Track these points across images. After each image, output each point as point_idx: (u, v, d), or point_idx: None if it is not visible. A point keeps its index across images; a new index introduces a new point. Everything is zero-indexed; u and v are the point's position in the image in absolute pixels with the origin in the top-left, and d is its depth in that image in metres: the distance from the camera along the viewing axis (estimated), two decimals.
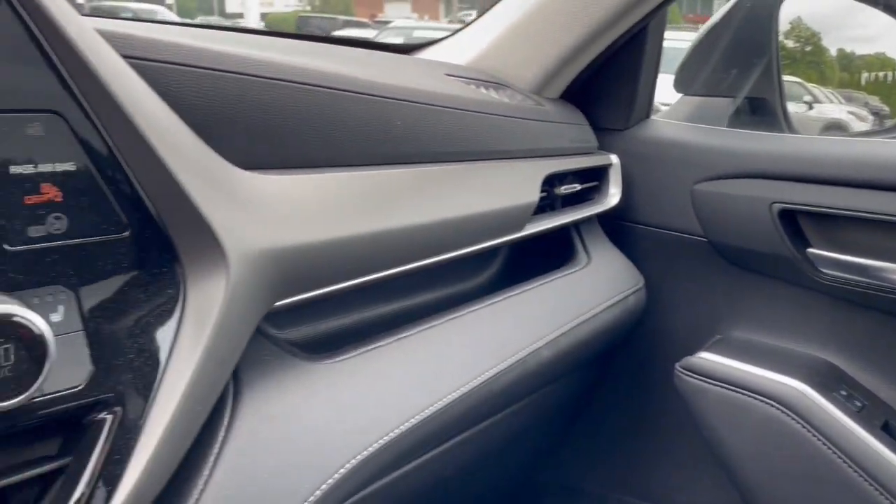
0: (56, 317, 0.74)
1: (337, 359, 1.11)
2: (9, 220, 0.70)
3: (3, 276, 0.70)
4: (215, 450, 0.90)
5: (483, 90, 1.50)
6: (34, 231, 0.72)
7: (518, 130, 1.47)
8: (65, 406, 0.74)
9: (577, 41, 1.61)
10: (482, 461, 1.57)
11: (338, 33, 17.68)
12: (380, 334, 1.18)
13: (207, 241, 0.84)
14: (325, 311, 1.27)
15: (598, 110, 1.79)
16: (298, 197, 1.00)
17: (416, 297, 1.45)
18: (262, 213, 0.93)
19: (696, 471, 1.85)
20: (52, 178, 0.73)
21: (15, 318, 0.68)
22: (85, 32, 0.75)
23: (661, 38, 1.79)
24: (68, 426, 0.77)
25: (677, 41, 1.81)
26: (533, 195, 1.45)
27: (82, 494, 0.74)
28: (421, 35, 12.88)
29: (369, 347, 1.15)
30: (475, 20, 1.79)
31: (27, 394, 0.69)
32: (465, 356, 1.26)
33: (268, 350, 1.04)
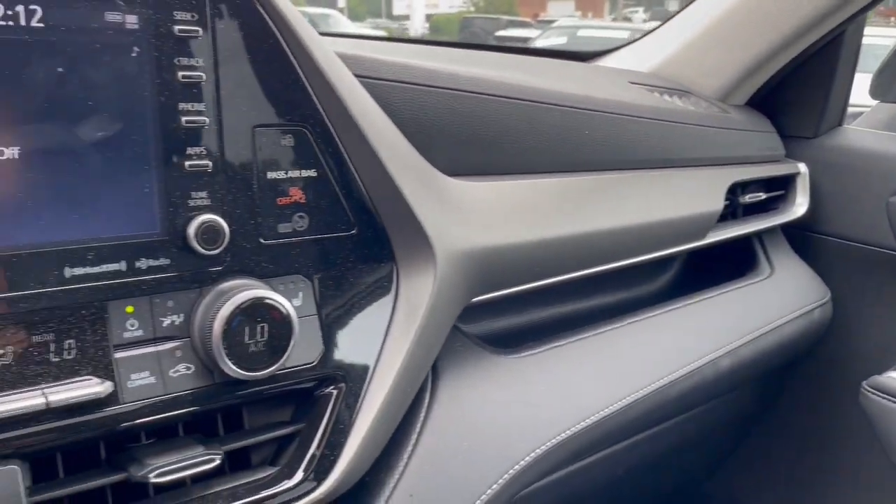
0: (297, 301, 0.85)
1: (522, 354, 1.17)
2: (265, 218, 0.82)
3: (258, 264, 0.82)
4: (417, 428, 0.99)
5: (667, 98, 1.52)
6: (283, 227, 0.84)
7: (703, 138, 1.47)
8: (300, 379, 0.86)
9: (770, 46, 1.58)
10: (651, 465, 1.59)
11: (501, 33, 17.82)
12: (559, 334, 1.24)
13: (419, 241, 0.93)
14: (504, 308, 1.34)
15: (786, 117, 1.74)
16: (497, 201, 1.07)
17: (591, 299, 1.49)
18: (465, 217, 1.02)
19: (881, 493, 1.76)
20: (299, 182, 0.85)
21: (267, 301, 0.79)
22: (328, 56, 0.86)
23: (859, 41, 1.71)
24: (302, 397, 0.88)
25: (867, 37, 1.71)
26: (717, 203, 1.45)
27: (313, 455, 0.85)
28: (586, 34, 12.71)
29: (551, 346, 1.21)
30: (658, 28, 1.80)
31: (276, 366, 0.80)
32: (644, 360, 1.29)
33: (460, 342, 1.12)
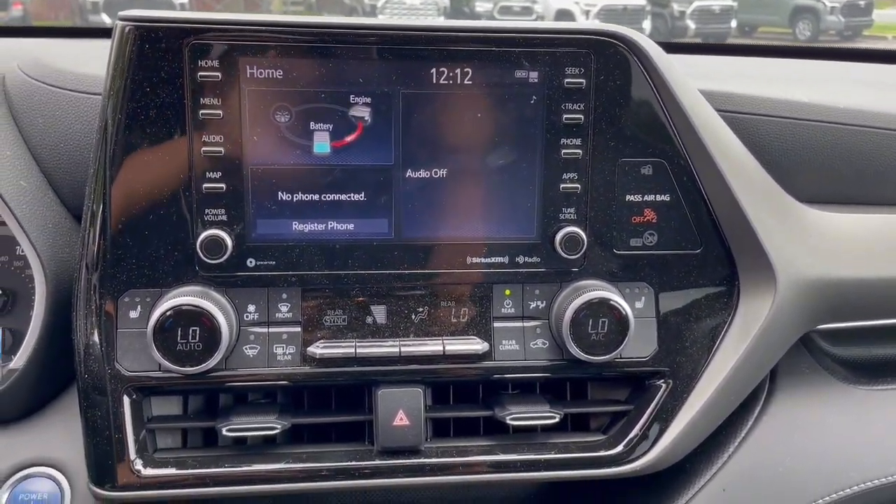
0: (639, 304, 1.02)
1: (877, 387, 1.17)
2: (619, 232, 1.00)
3: (609, 270, 1.01)
4: (741, 435, 1.09)
5: None
6: (634, 241, 1.01)
7: None
8: (633, 369, 1.03)
9: None
10: None
11: None
12: None
13: (762, 265, 1.02)
14: (883, 337, 1.31)
15: None
16: (851, 233, 1.09)
17: None
18: (815, 246, 1.06)
19: None
20: (653, 205, 1.00)
21: (611, 302, 0.97)
22: (691, 96, 0.98)
23: None
24: (638, 383, 1.06)
25: None
26: None
27: (635, 435, 1.02)
28: None
29: None
30: None
31: (611, 355, 0.98)
32: None
33: (807, 364, 1.17)
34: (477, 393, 1.07)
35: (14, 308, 1.11)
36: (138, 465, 0.93)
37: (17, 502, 0.95)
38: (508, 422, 1.00)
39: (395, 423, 0.98)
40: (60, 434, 0.98)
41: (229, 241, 0.92)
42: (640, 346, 1.02)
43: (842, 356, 1.26)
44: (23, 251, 1.04)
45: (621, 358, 1.01)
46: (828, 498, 1.07)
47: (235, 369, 0.95)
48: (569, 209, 0.98)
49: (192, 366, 0.91)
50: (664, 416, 1.02)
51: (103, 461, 0.93)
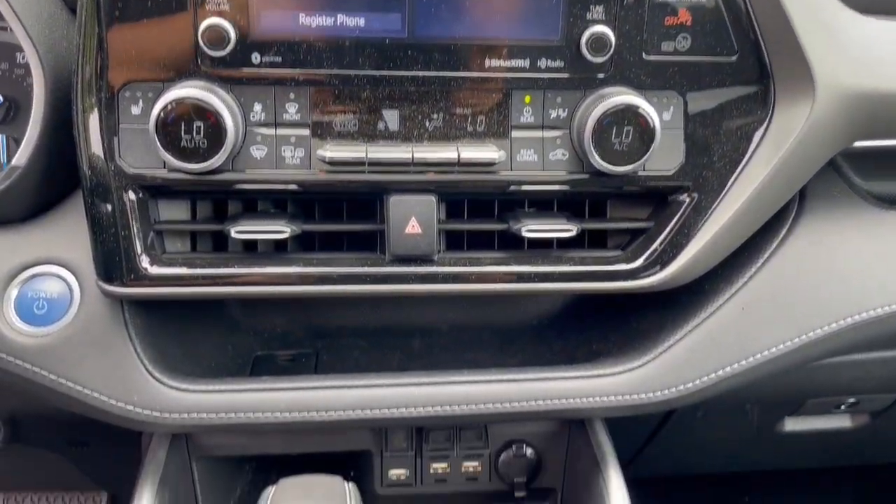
0: (666, 115, 0.96)
1: None
2: (650, 35, 0.93)
3: (637, 77, 0.94)
4: (765, 255, 1.05)
5: None
6: (665, 46, 0.94)
7: None
8: (657, 184, 0.98)
9: None
10: None
11: None
12: None
13: (802, 73, 0.95)
14: None
15: None
16: None
17: None
18: (859, 56, 0.98)
19: None
20: (688, 4, 0.92)
21: (637, 108, 0.92)
22: None
23: None
24: (657, 201, 1.01)
25: None
26: None
27: (654, 250, 0.99)
28: None
29: None
30: None
31: (635, 165, 0.93)
32: None
33: (839, 188, 1.12)
34: (492, 211, 1.04)
35: (17, 116, 1.08)
36: (145, 262, 0.92)
37: (26, 300, 0.95)
38: (524, 234, 0.97)
39: (407, 232, 0.95)
40: (68, 234, 0.97)
41: (232, 33, 0.86)
42: (665, 158, 0.97)
43: (872, 191, 1.21)
44: (24, 59, 0.99)
45: (645, 171, 0.96)
46: (850, 320, 1.05)
47: (243, 171, 0.92)
48: (597, 7, 0.91)
49: (197, 162, 0.87)
50: (686, 232, 0.99)
51: (110, 259, 0.92)
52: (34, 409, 1.19)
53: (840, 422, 1.46)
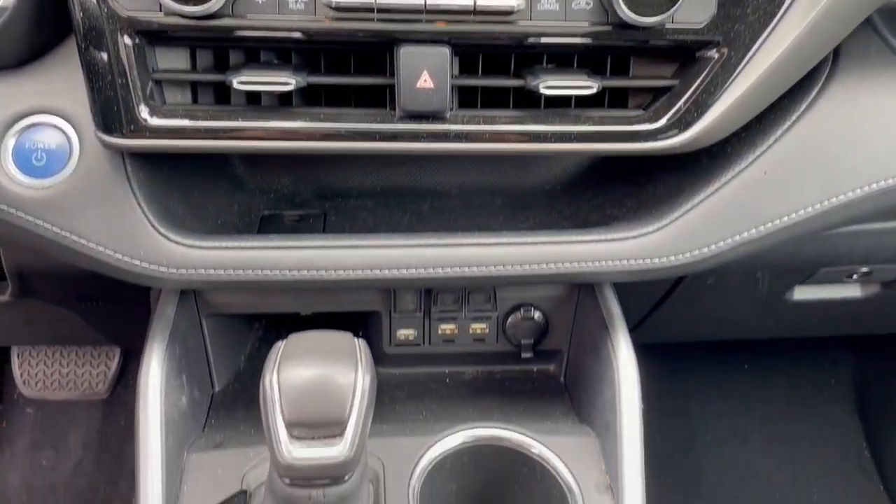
0: None
1: None
2: None
3: None
4: (793, 117, 1.00)
5: None
6: None
7: None
8: (685, 38, 0.92)
9: None
10: None
11: None
12: None
13: None
14: None
15: None
16: None
17: None
18: None
19: None
20: None
21: None
22: None
23: None
24: (683, 59, 0.95)
25: None
26: None
27: (678, 110, 0.94)
28: None
29: None
30: None
31: (664, 16, 0.87)
32: None
33: (876, 48, 1.05)
34: (507, 69, 0.98)
35: None
36: (145, 113, 0.88)
37: (24, 152, 0.91)
38: (542, 91, 0.92)
39: (418, 86, 0.90)
40: (65, 83, 0.92)
41: None
42: (696, 9, 0.90)
43: None
44: None
45: (673, 23, 0.90)
46: (875, 186, 1.01)
47: (243, 16, 0.86)
48: None
49: (194, 5, 0.81)
50: (712, 91, 0.93)
51: (108, 109, 0.88)
52: (41, 264, 1.18)
53: (850, 291, 1.46)
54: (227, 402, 1.21)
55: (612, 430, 1.07)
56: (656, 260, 1.02)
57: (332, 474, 0.74)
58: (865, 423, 2.20)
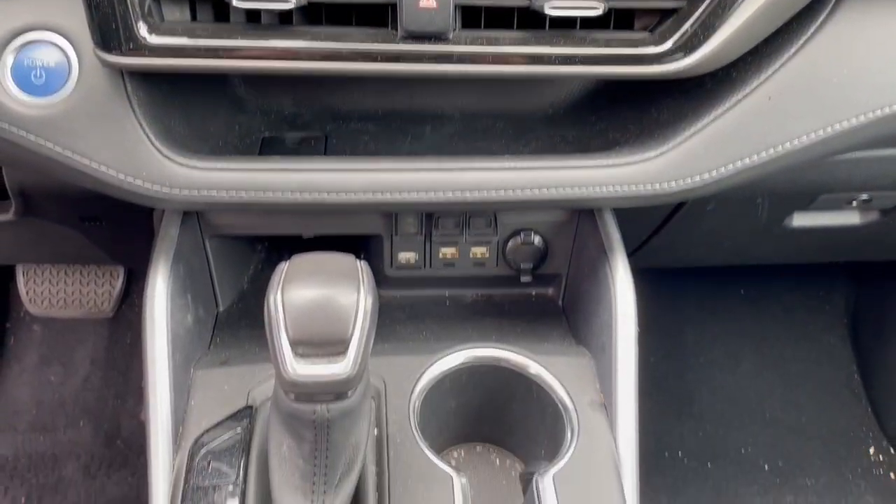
0: None
1: None
2: None
3: None
4: (801, 40, 0.98)
5: None
6: None
7: None
8: None
9: None
10: None
11: None
12: None
13: None
14: None
15: None
16: None
17: None
18: None
19: None
20: None
21: None
22: None
23: None
24: None
25: None
26: None
27: (684, 32, 0.93)
28: None
29: None
30: None
31: None
32: None
33: None
34: None
35: None
36: (143, 31, 0.87)
37: (23, 69, 0.91)
38: (547, 11, 0.90)
39: (421, 5, 0.89)
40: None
41: None
42: None
43: None
44: None
45: None
46: (879, 112, 1.00)
47: None
48: None
49: None
50: (720, 13, 0.92)
51: (106, 25, 0.86)
52: (43, 183, 1.19)
53: (849, 218, 1.46)
54: (231, 321, 1.23)
55: (607, 351, 1.09)
56: (658, 185, 1.02)
57: (335, 390, 0.76)
58: (857, 348, 2.24)
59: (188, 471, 0.96)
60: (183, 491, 0.94)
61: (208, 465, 0.96)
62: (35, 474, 1.97)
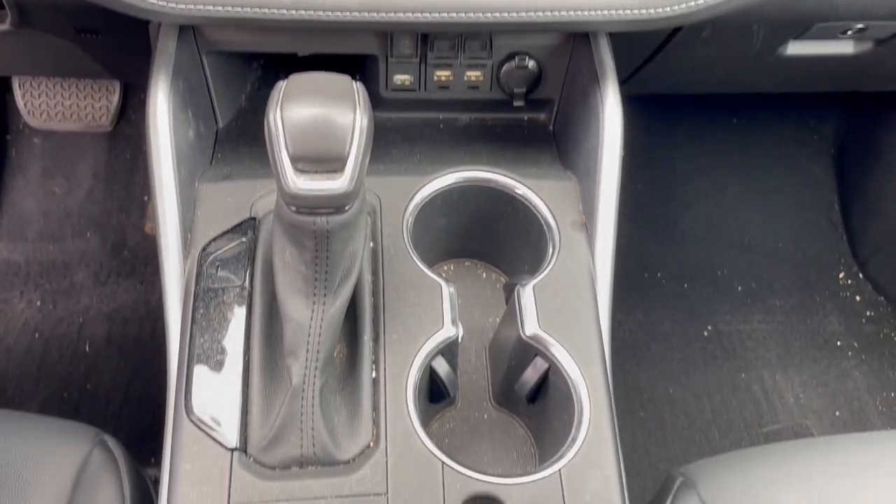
0: None
1: None
2: None
3: None
4: None
5: None
6: None
7: None
8: None
9: None
10: None
11: None
12: None
13: None
14: None
15: None
16: None
17: None
18: None
19: None
20: None
21: None
22: None
23: None
24: None
25: None
26: None
27: None
28: None
29: None
30: None
31: None
32: None
33: None
34: None
35: None
36: None
37: None
38: None
39: None
40: None
41: None
42: None
43: None
44: None
45: None
46: None
47: None
48: None
49: None
50: None
51: None
52: None
53: (843, 48, 1.46)
54: (231, 138, 1.27)
55: (591, 174, 1.14)
56: (654, 10, 1.02)
57: (334, 204, 0.82)
58: (840, 178, 2.29)
59: (198, 275, 1.04)
60: (195, 293, 1.02)
61: (217, 270, 1.04)
62: (48, 280, 2.07)
